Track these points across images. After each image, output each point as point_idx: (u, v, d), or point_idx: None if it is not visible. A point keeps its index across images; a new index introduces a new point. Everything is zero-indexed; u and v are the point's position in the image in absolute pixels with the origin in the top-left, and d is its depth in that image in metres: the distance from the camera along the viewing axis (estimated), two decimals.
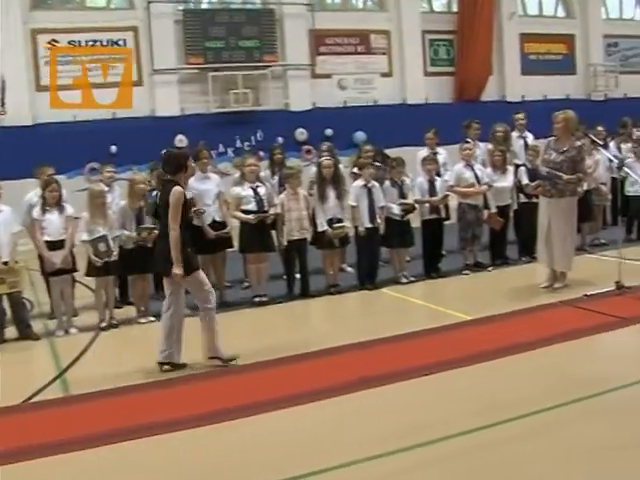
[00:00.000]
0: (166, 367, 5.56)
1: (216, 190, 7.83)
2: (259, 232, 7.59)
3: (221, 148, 14.50)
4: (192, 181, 7.42)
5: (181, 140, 13.75)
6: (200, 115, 14.34)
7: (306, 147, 14.49)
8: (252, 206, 7.60)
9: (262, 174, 8.69)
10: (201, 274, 5.62)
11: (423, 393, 4.86)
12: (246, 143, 14.68)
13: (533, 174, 8.44)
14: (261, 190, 7.74)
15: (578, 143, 7.42)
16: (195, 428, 4.41)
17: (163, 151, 6.07)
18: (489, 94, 17.16)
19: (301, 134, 14.98)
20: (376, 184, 8.21)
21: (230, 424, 4.47)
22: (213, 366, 5.59)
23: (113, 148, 13.19)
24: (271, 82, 14.77)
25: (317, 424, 4.42)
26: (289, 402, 4.75)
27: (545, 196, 7.47)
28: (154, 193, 6.60)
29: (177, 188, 5.42)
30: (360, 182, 8.21)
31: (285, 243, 7.85)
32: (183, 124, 13.94)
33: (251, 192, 7.66)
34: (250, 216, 7.55)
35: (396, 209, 8.22)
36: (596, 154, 9.59)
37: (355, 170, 8.64)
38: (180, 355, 5.64)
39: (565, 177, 7.25)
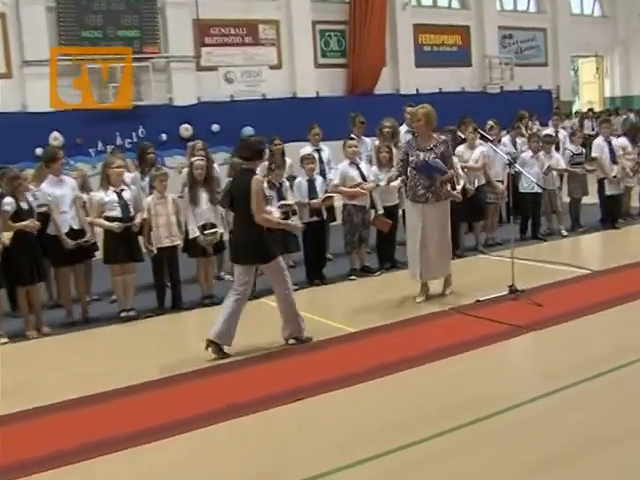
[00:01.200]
0: (212, 348, 5.88)
1: (72, 195, 7.47)
2: (124, 240, 7.31)
3: (100, 146, 13.91)
4: (45, 186, 7.33)
5: (56, 138, 13.16)
6: (77, 111, 13.62)
7: (190, 144, 13.93)
8: (116, 212, 7.31)
9: (132, 175, 8.50)
10: (281, 261, 6.08)
11: (285, 424, 4.60)
12: (127, 140, 14.09)
13: None
14: (126, 194, 7.44)
15: (443, 137, 7.29)
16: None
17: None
18: (383, 87, 17.22)
19: (186, 130, 14.59)
20: (286, 184, 8.14)
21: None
22: (291, 345, 6.12)
23: None
24: (153, 75, 14.25)
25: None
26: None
27: (418, 202, 7.21)
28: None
29: (257, 177, 5.88)
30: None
31: (154, 251, 7.58)
32: (58, 120, 13.20)
33: (115, 197, 7.35)
34: (114, 224, 7.26)
35: (275, 213, 7.94)
36: (481, 147, 9.59)
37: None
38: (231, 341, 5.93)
39: (448, 173, 7.11)
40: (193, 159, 8.04)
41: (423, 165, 7.07)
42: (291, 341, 6.18)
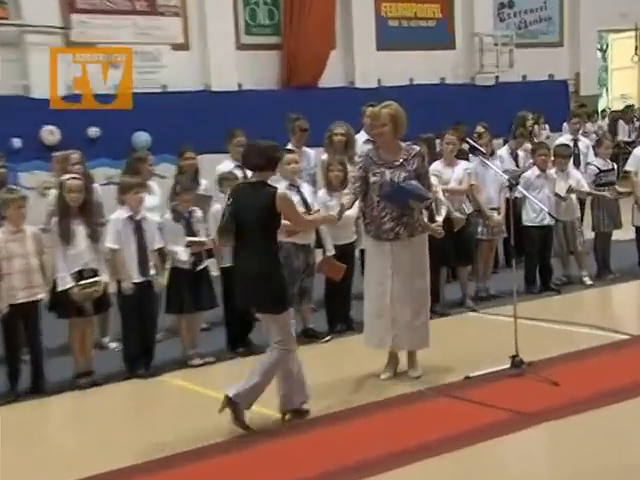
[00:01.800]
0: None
1: None
2: None
3: None
4: None
5: None
6: None
7: (59, 154, 13.85)
8: None
9: None
10: (291, 312, 6.54)
11: None
12: None
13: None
14: None
15: (416, 148, 7.47)
16: None
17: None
18: (331, 77, 17.45)
19: (50, 134, 14.45)
20: (149, 217, 8.12)
21: None
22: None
23: None
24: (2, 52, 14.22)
25: None
26: None
27: (384, 239, 7.26)
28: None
29: (282, 192, 6.49)
30: (123, 212, 8.00)
31: (3, 310, 7.54)
32: None
33: None
34: None
35: (182, 253, 8.07)
36: (465, 163, 9.87)
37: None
38: None
39: (430, 198, 7.31)
40: (64, 177, 8.02)
41: (392, 190, 7.15)
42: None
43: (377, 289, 7.38)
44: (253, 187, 6.47)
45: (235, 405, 6.30)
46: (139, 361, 8.08)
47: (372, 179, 7.25)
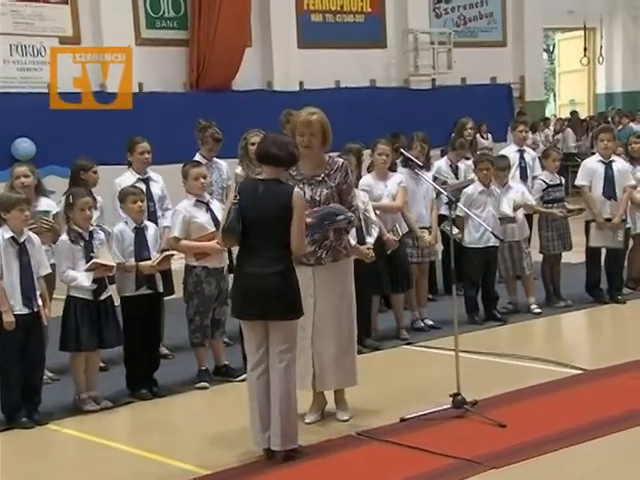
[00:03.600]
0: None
1: None
2: None
3: None
4: None
5: None
6: None
7: None
8: None
9: None
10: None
11: None
12: None
13: None
14: None
15: (340, 160, 7.55)
16: None
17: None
18: (247, 79, 17.61)
19: None
20: (34, 238, 7.99)
21: None
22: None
23: None
24: None
25: None
26: None
27: (302, 263, 7.13)
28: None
29: (299, 190, 6.72)
30: (4, 233, 7.85)
31: None
32: None
33: None
34: None
35: (84, 279, 8.02)
36: (397, 175, 10.00)
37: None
38: None
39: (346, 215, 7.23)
40: None
41: (316, 222, 7.11)
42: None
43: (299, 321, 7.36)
44: (265, 184, 6.56)
45: (294, 451, 6.54)
46: (21, 408, 7.86)
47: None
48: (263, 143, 6.84)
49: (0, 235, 7.80)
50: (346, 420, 7.46)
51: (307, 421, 7.46)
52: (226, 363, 8.90)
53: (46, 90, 15.21)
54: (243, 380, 8.61)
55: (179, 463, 6.76)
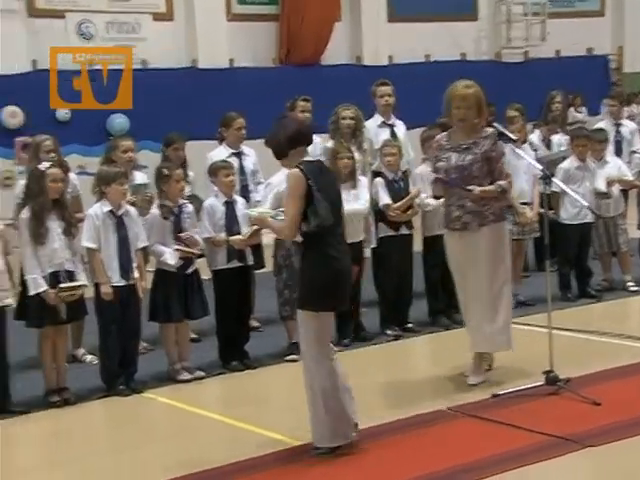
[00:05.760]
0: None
1: None
2: None
3: None
4: None
5: None
6: None
7: (22, 139, 13.98)
8: None
9: None
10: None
11: None
12: None
13: (397, 188, 8.73)
14: None
15: (489, 130, 7.67)
16: None
17: None
18: (336, 54, 17.50)
19: (13, 116, 14.61)
20: (131, 211, 8.14)
21: None
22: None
23: None
24: None
25: None
26: None
27: (454, 229, 7.52)
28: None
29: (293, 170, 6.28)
30: (102, 207, 8.02)
31: None
32: None
33: None
34: None
35: (170, 257, 8.18)
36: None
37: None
38: None
39: (477, 189, 7.41)
40: (43, 165, 8.00)
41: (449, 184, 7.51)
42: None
43: (459, 282, 7.76)
44: (320, 166, 6.49)
45: None
46: (119, 376, 8.07)
47: (439, 164, 7.58)
48: (304, 126, 6.72)
49: (99, 208, 7.96)
50: (474, 385, 7.53)
51: (471, 383, 7.57)
52: None
53: (140, 66, 15.57)
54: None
55: (270, 433, 6.85)
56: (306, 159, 6.35)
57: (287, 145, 6.29)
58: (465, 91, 7.47)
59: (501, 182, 7.58)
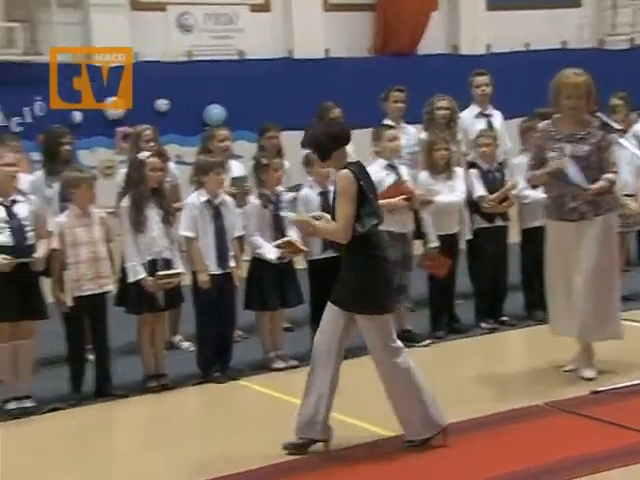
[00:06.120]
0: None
1: None
2: (16, 284, 7.47)
3: None
4: None
5: None
6: None
7: (123, 129, 14.20)
8: (5, 238, 7.48)
9: (30, 178, 8.73)
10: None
11: None
12: (15, 119, 14.25)
13: (492, 179, 8.74)
14: (21, 209, 7.61)
15: (597, 119, 7.61)
16: None
17: None
18: (432, 43, 17.35)
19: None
20: (228, 201, 8.20)
21: None
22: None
23: None
24: (59, 13, 14.49)
25: None
26: None
27: (570, 219, 7.46)
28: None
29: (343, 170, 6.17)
30: (200, 196, 8.12)
31: (68, 303, 7.72)
32: None
33: (3, 213, 7.53)
34: (0, 257, 7.36)
35: (270, 252, 8.22)
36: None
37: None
38: None
39: (592, 187, 7.37)
40: (143, 155, 8.16)
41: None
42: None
43: (561, 274, 7.61)
44: (363, 167, 6.39)
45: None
46: (214, 363, 8.21)
47: (550, 155, 7.48)
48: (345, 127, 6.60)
49: (197, 198, 8.06)
50: (591, 379, 7.43)
51: (587, 376, 7.48)
52: (409, 328, 8.96)
53: (237, 57, 15.87)
54: (426, 346, 8.80)
55: (363, 423, 6.86)
56: (349, 160, 6.33)
57: (332, 146, 6.22)
58: (576, 79, 7.39)
59: (608, 175, 7.50)
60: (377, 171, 8.62)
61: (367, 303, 6.16)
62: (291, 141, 9.96)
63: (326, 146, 6.22)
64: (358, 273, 6.20)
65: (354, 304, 6.21)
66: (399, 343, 6.34)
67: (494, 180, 9.21)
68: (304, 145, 6.50)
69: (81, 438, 7.14)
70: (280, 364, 8.36)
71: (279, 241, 8.00)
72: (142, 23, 15.22)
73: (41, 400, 7.61)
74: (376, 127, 9.09)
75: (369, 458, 6.20)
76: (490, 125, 10.13)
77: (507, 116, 10.42)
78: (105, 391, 7.83)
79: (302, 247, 7.91)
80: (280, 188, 8.52)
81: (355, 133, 9.96)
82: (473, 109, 10.28)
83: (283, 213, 7.97)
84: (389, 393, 6.33)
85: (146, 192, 7.93)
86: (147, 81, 14.63)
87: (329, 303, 6.40)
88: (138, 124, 9.58)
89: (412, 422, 6.26)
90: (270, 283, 8.34)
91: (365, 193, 6.12)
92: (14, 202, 7.54)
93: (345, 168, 6.13)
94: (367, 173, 6.32)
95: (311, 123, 6.52)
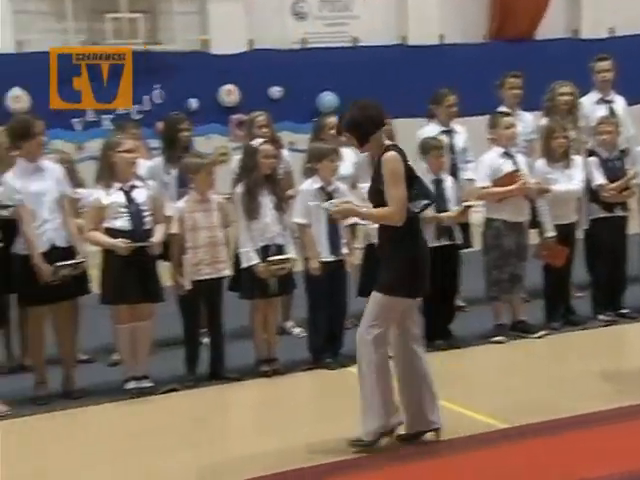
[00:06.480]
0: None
1: (56, 191, 7.72)
2: (136, 268, 7.59)
3: (90, 114, 14.37)
4: (12, 176, 7.60)
5: (18, 97, 13.72)
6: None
7: (237, 117, 14.37)
8: (123, 223, 7.62)
9: (149, 164, 8.83)
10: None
11: None
12: (135, 107, 14.46)
13: (612, 168, 8.65)
14: (139, 194, 7.72)
15: None
16: None
17: None
18: (551, 27, 16.97)
19: (229, 94, 14.95)
20: (341, 187, 8.20)
21: None
22: None
23: None
24: (178, 3, 14.74)
25: None
26: None
27: None
28: None
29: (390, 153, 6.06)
30: (313, 183, 8.14)
31: (186, 286, 7.83)
32: (21, 69, 13.73)
33: (122, 198, 7.65)
34: (119, 241, 7.51)
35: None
36: None
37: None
38: None
39: None
40: (257, 141, 8.23)
41: None
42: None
43: None
44: (400, 148, 6.26)
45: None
46: (326, 349, 8.23)
47: None
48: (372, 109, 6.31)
49: (310, 185, 8.08)
50: None
51: None
52: (523, 319, 8.88)
53: (351, 44, 15.84)
54: (540, 337, 8.71)
55: (480, 416, 6.83)
56: (387, 142, 6.23)
57: (372, 129, 6.12)
58: None
59: None
60: (493, 159, 8.64)
61: (397, 284, 6.10)
62: (404, 129, 9.94)
63: (366, 129, 6.13)
64: (401, 255, 6.11)
65: (385, 285, 6.16)
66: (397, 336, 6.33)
67: (614, 169, 9.04)
68: (341, 130, 6.42)
69: (195, 419, 7.23)
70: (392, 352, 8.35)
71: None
72: (257, 11, 15.29)
73: (158, 381, 7.76)
74: (492, 114, 8.99)
75: (482, 448, 6.19)
76: (612, 111, 9.95)
77: (631, 102, 10.23)
78: (219, 374, 7.95)
79: None
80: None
81: (470, 120, 10.05)
82: (593, 95, 10.10)
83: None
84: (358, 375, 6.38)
85: (259, 179, 7.98)
86: (261, 69, 14.88)
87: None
88: (252, 111, 9.64)
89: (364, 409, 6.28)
90: (375, 271, 8.23)
91: (414, 174, 6.11)
92: (133, 187, 7.66)
93: (387, 150, 6.07)
94: (406, 155, 6.22)
95: (348, 107, 6.38)
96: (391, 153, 6.03)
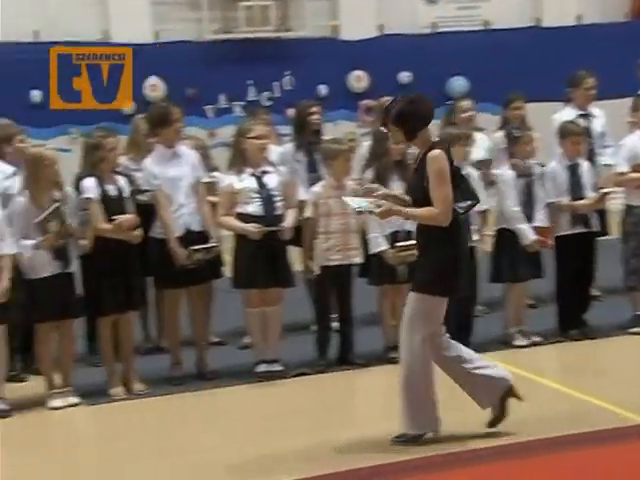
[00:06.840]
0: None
1: (192, 177, 7.85)
2: (267, 253, 7.67)
3: (222, 101, 14.59)
4: (151, 162, 7.79)
5: (154, 86, 14.00)
6: (186, 44, 14.48)
7: (366, 102, 14.39)
8: (255, 208, 7.70)
9: (280, 150, 8.85)
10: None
11: None
12: (265, 94, 14.67)
13: None
14: (271, 180, 7.79)
15: None
16: None
17: None
18: None
19: (358, 80, 14.98)
20: (473, 173, 8.16)
21: None
22: None
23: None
24: None
25: None
26: None
27: None
28: None
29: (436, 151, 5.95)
30: None
31: (316, 272, 7.89)
32: (156, 59, 14.02)
33: (254, 183, 7.72)
34: (250, 226, 7.59)
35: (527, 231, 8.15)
36: None
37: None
38: None
39: None
40: (385, 129, 8.13)
41: None
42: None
43: None
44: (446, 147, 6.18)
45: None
46: (453, 339, 8.15)
47: None
48: (423, 105, 6.16)
49: None
50: None
51: None
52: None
53: (482, 27, 15.73)
54: None
55: (611, 406, 6.70)
56: (433, 140, 6.11)
57: (420, 125, 5.99)
58: None
59: None
60: (636, 143, 8.49)
61: (438, 282, 5.98)
62: (538, 113, 9.81)
63: (414, 125, 6.01)
64: (443, 254, 5.99)
65: (425, 283, 6.04)
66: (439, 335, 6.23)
67: None
68: (388, 124, 6.23)
69: (323, 403, 7.28)
70: (522, 341, 8.27)
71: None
72: None
73: (287, 364, 7.83)
74: (635, 97, 8.81)
75: (613, 443, 6.07)
76: None
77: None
78: (347, 359, 7.97)
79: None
80: (532, 161, 8.37)
81: (608, 103, 9.82)
82: None
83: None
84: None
85: (389, 165, 7.97)
86: (390, 54, 14.88)
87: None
88: (381, 97, 9.62)
89: (407, 412, 6.20)
90: (516, 255, 8.20)
91: (459, 173, 6.03)
92: (264, 173, 7.74)
93: (433, 148, 5.95)
94: (451, 154, 6.08)
95: (395, 100, 6.23)
96: (436, 151, 5.93)
